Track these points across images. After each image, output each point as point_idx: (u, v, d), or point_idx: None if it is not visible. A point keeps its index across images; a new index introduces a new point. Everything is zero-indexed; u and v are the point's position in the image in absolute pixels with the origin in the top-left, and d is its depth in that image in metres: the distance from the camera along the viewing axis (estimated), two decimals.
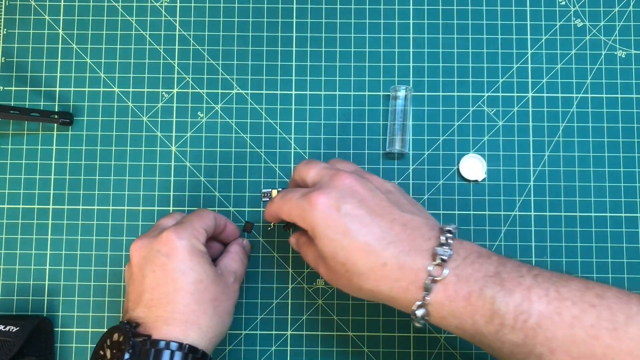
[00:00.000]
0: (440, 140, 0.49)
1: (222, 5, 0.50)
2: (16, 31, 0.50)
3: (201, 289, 0.38)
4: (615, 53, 0.49)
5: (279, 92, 0.49)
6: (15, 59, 0.49)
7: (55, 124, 0.48)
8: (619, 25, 0.50)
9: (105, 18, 0.50)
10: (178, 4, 0.50)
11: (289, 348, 0.46)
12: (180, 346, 0.35)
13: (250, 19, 0.50)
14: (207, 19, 0.50)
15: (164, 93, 0.49)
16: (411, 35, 0.50)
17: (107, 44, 0.50)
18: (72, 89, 0.49)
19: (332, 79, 0.49)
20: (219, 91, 0.49)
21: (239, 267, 0.43)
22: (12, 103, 0.49)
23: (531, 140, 0.48)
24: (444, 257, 0.34)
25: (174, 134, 0.49)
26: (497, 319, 0.33)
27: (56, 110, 0.49)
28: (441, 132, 0.49)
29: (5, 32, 0.50)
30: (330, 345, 0.47)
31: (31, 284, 0.47)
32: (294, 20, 0.50)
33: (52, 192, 0.48)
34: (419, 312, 0.35)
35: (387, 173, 0.48)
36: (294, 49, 0.50)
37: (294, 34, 0.50)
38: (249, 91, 0.49)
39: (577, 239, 0.47)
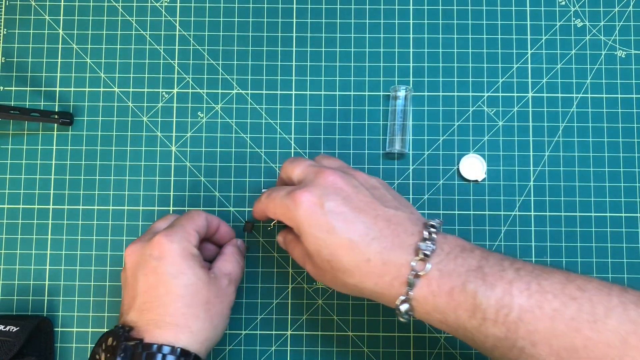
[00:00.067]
0: (440, 140, 0.49)
1: (222, 5, 0.50)
2: (16, 31, 0.50)
3: (192, 292, 0.37)
4: (615, 53, 0.49)
5: (279, 92, 0.49)
6: (15, 59, 0.49)
7: (56, 124, 0.48)
8: (618, 25, 0.50)
9: (105, 18, 0.50)
10: (178, 4, 0.50)
11: (289, 348, 0.46)
12: (172, 350, 0.35)
13: (250, 19, 0.50)
14: (207, 19, 0.50)
15: (164, 93, 0.49)
16: (411, 35, 0.50)
17: (107, 44, 0.50)
18: (72, 89, 0.49)
19: (332, 79, 0.49)
20: (219, 91, 0.49)
21: (234, 269, 0.42)
22: (12, 103, 0.49)
23: (531, 140, 0.48)
24: (427, 252, 0.35)
25: (174, 134, 0.49)
26: (479, 313, 0.33)
27: (56, 110, 0.49)
28: (441, 132, 0.49)
29: (5, 32, 0.50)
30: (330, 345, 0.47)
31: (31, 284, 0.47)
32: (294, 20, 0.50)
33: (52, 192, 0.48)
34: (403, 307, 0.35)
35: (387, 173, 0.48)
36: (294, 49, 0.50)
37: (294, 34, 0.50)
38: (249, 91, 0.49)
39: (577, 239, 0.47)
